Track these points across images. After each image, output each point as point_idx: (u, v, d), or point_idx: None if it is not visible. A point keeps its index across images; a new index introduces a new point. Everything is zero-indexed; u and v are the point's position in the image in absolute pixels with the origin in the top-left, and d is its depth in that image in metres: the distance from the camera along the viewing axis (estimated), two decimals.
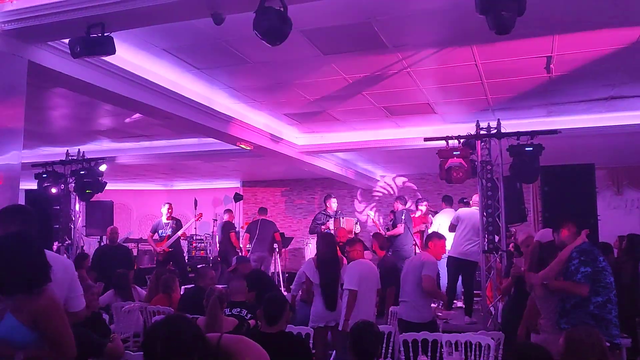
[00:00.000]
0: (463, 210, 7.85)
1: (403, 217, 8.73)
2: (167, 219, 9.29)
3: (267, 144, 8.59)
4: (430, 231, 8.09)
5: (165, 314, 5.67)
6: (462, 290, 7.79)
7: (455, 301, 8.04)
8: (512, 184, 6.65)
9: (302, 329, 4.71)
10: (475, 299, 7.49)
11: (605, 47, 5.33)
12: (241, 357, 2.13)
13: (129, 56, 5.54)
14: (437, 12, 4.56)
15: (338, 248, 5.97)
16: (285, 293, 7.40)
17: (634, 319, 6.31)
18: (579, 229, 4.28)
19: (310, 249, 10.54)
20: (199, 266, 9.00)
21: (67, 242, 7.97)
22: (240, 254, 9.64)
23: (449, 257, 7.47)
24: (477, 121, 6.71)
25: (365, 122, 8.50)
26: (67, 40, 4.51)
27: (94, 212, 9.40)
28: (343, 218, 9.70)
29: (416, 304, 5.27)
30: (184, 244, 10.96)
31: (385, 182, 13.94)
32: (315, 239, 7.30)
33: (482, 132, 6.56)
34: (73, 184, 7.88)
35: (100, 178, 7.85)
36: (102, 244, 9.46)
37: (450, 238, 7.28)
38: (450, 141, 6.63)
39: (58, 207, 7.92)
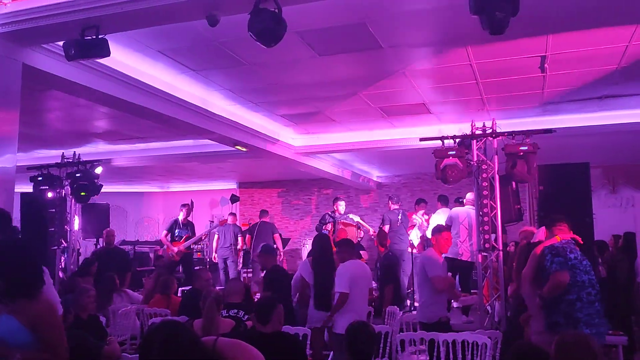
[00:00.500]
0: (456, 210, 7.85)
1: (399, 217, 8.70)
2: (183, 221, 9.30)
3: (263, 145, 8.60)
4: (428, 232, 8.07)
5: (162, 316, 5.66)
6: (459, 289, 7.79)
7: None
8: (507, 183, 6.67)
9: (300, 329, 4.72)
10: None
11: (599, 46, 5.35)
12: None
13: (124, 58, 5.53)
14: (432, 12, 4.58)
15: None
16: None
17: (629, 317, 6.34)
18: (571, 228, 4.31)
19: (307, 250, 10.54)
20: (195, 268, 9.01)
21: (63, 245, 7.93)
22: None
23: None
24: (472, 121, 6.72)
25: (361, 122, 8.52)
26: (61, 43, 4.50)
27: (90, 215, 9.36)
28: (353, 221, 9.62)
29: (423, 304, 5.33)
30: None
31: None
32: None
33: (477, 131, 6.58)
34: (69, 187, 7.85)
35: (96, 180, 7.82)
36: (98, 246, 9.44)
37: None
38: (445, 141, 6.65)
39: (54, 210, 7.87)
